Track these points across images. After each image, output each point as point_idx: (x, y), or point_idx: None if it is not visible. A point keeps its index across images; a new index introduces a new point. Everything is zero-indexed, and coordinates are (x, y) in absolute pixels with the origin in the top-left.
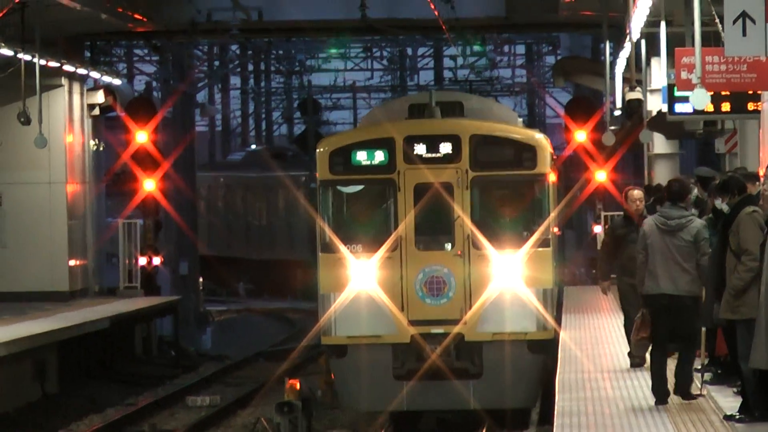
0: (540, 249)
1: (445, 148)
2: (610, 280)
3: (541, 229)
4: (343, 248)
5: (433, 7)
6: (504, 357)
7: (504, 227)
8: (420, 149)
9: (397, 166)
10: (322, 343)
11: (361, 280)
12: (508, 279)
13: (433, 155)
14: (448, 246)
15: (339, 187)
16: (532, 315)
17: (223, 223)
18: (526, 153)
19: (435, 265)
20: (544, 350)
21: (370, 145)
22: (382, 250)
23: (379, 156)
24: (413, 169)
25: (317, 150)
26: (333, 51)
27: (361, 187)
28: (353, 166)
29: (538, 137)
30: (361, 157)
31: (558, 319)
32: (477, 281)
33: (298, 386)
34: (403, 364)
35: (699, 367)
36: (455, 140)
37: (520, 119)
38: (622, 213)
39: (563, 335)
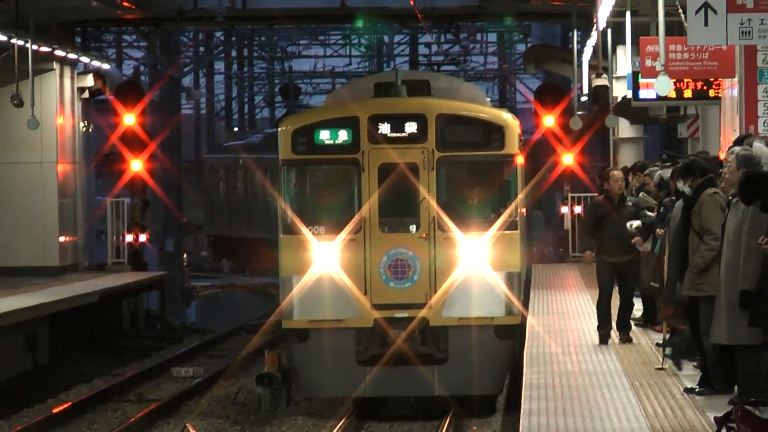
0: (507, 231)
1: (411, 127)
2: (591, 253)
3: (509, 211)
4: (305, 230)
5: None
6: (470, 342)
7: (470, 209)
8: (385, 129)
9: (361, 146)
10: (283, 327)
11: (323, 262)
12: (474, 262)
13: (399, 135)
14: (413, 228)
15: (301, 167)
16: (499, 299)
17: (243, 204)
18: (494, 134)
19: (399, 247)
20: (511, 335)
21: (333, 124)
22: (345, 232)
23: (343, 135)
24: (378, 149)
25: (279, 129)
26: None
27: (324, 166)
28: (316, 146)
29: (507, 117)
30: (325, 136)
31: (526, 301)
32: (442, 264)
33: (277, 358)
34: (367, 349)
35: (660, 341)
36: (421, 119)
37: (489, 99)
38: (598, 196)
39: (530, 319)
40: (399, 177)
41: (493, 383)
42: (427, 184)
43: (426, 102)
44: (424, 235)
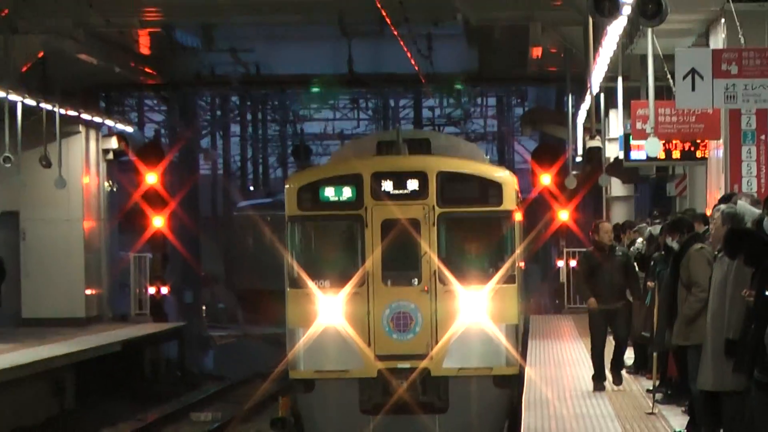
0: (505, 285)
1: (413, 184)
2: (593, 299)
3: (507, 265)
4: (310, 283)
5: (413, 62)
6: (470, 392)
7: (470, 263)
8: (387, 186)
9: (364, 202)
10: (290, 378)
11: (328, 314)
12: (474, 315)
13: (401, 191)
14: (415, 281)
15: (307, 222)
16: (498, 350)
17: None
18: (492, 190)
19: (402, 300)
20: (509, 385)
21: (337, 182)
22: (350, 286)
23: (347, 192)
24: (381, 205)
25: (286, 186)
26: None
27: (329, 222)
28: (321, 202)
29: (504, 174)
30: (329, 193)
31: (524, 350)
32: (443, 317)
33: (290, 403)
34: (370, 398)
35: (651, 387)
36: (422, 177)
37: (487, 157)
38: (590, 247)
39: (528, 368)
40: (401, 232)
41: (491, 431)
42: (428, 239)
43: (427, 160)
44: (425, 288)
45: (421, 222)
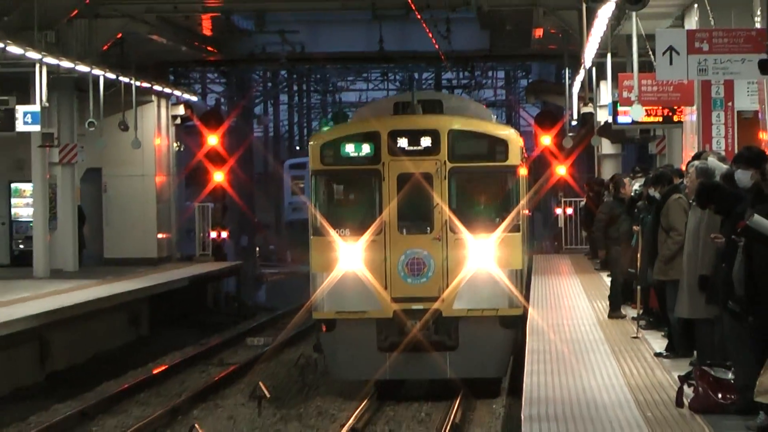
0: (511, 234)
1: (426, 141)
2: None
3: (512, 215)
4: (332, 232)
5: (434, 42)
6: (478, 331)
7: (478, 214)
8: (403, 142)
9: (381, 157)
10: (313, 318)
11: (348, 260)
12: (481, 261)
13: (415, 148)
14: (428, 230)
15: (329, 176)
16: (504, 293)
17: None
18: (499, 147)
19: (416, 247)
20: (514, 325)
21: (357, 139)
22: (368, 234)
23: (366, 148)
24: (396, 160)
25: (309, 143)
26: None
27: (349, 176)
28: (342, 158)
29: (510, 132)
30: (349, 149)
31: (528, 291)
32: (453, 262)
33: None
34: (387, 337)
35: (635, 316)
36: (435, 135)
37: (494, 116)
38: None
39: (531, 296)
40: (415, 185)
41: (498, 367)
42: (440, 192)
43: (439, 119)
44: (437, 236)
45: (433, 176)
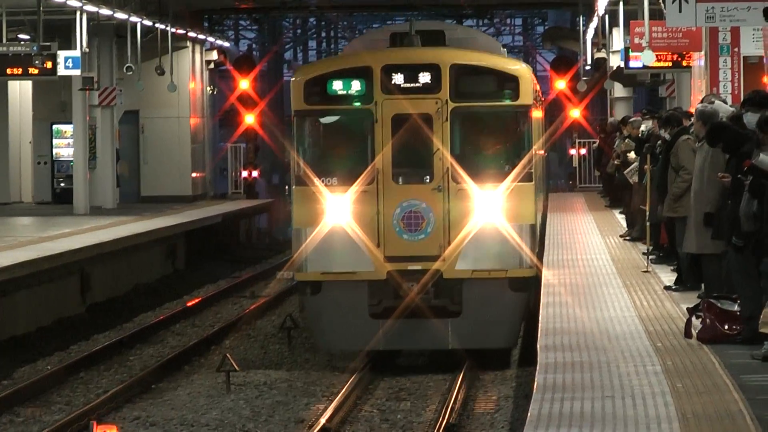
0: (522, 183)
1: (425, 77)
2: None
3: (523, 162)
4: (317, 181)
5: None
6: (484, 295)
7: (485, 161)
8: (398, 79)
9: (374, 96)
10: (295, 279)
11: (335, 214)
12: (489, 214)
13: (412, 85)
14: (427, 179)
15: (314, 118)
16: (514, 252)
17: None
18: (509, 84)
19: (413, 199)
20: (525, 288)
21: (346, 74)
22: (358, 184)
23: (356, 85)
24: (391, 99)
25: (292, 79)
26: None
27: (336, 117)
28: (329, 96)
29: (521, 67)
30: (337, 86)
31: (541, 250)
32: (457, 216)
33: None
34: (380, 302)
35: (646, 251)
36: (435, 70)
37: (504, 49)
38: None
39: (547, 233)
40: (412, 128)
41: (507, 336)
42: (440, 135)
43: (440, 52)
44: (438, 186)
45: (433, 117)
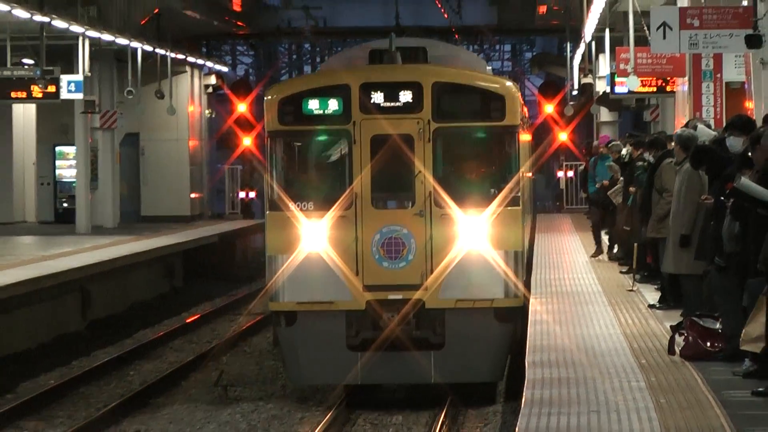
0: (509, 208)
1: (405, 96)
2: None
3: (510, 186)
4: (292, 206)
5: (446, 17)
6: (468, 326)
7: (469, 184)
8: (378, 98)
9: (352, 116)
10: (270, 309)
11: (311, 240)
12: (473, 241)
13: (392, 104)
14: (408, 204)
15: (289, 139)
16: (500, 280)
17: None
18: (494, 103)
19: (393, 225)
20: (512, 318)
21: (323, 93)
22: (335, 209)
23: (333, 105)
24: (370, 119)
25: (265, 98)
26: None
27: (312, 138)
28: (304, 116)
29: (508, 85)
30: (314, 105)
31: (528, 278)
32: (439, 243)
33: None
34: (358, 333)
35: (624, 270)
36: (416, 88)
37: (489, 67)
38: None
39: (535, 251)
40: (393, 149)
41: (492, 370)
42: (422, 157)
43: (421, 69)
44: (419, 211)
45: (414, 138)
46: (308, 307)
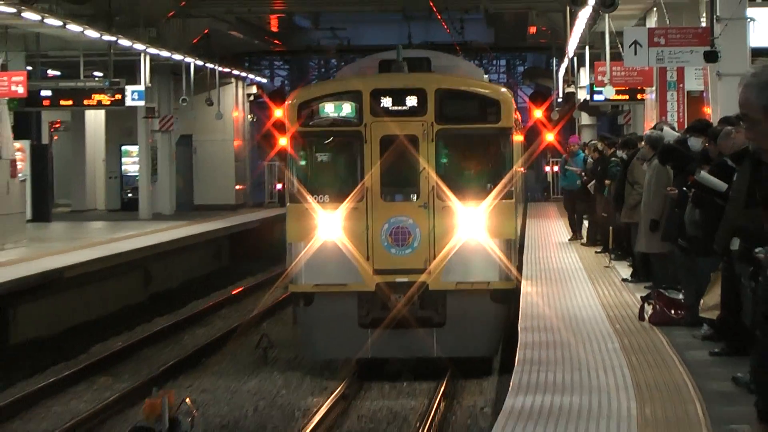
0: (503, 201)
1: (411, 101)
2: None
3: (504, 181)
4: (310, 199)
5: (451, 37)
6: (467, 306)
7: (468, 179)
8: (386, 102)
9: (364, 118)
10: (289, 291)
11: (327, 229)
12: (471, 230)
13: (399, 108)
14: (413, 197)
15: (307, 138)
16: (495, 265)
17: None
18: (491, 107)
19: (400, 215)
20: (506, 300)
21: (337, 98)
22: (348, 201)
23: (347, 108)
24: (379, 121)
25: (287, 102)
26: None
27: (328, 138)
28: (321, 118)
29: (503, 92)
30: (329, 109)
31: (520, 262)
32: (441, 232)
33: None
34: (368, 312)
35: (599, 250)
36: (421, 94)
37: (486, 76)
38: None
39: (527, 232)
40: (400, 148)
41: (488, 346)
42: (426, 155)
43: (426, 77)
44: (423, 204)
45: (419, 138)
46: (324, 289)
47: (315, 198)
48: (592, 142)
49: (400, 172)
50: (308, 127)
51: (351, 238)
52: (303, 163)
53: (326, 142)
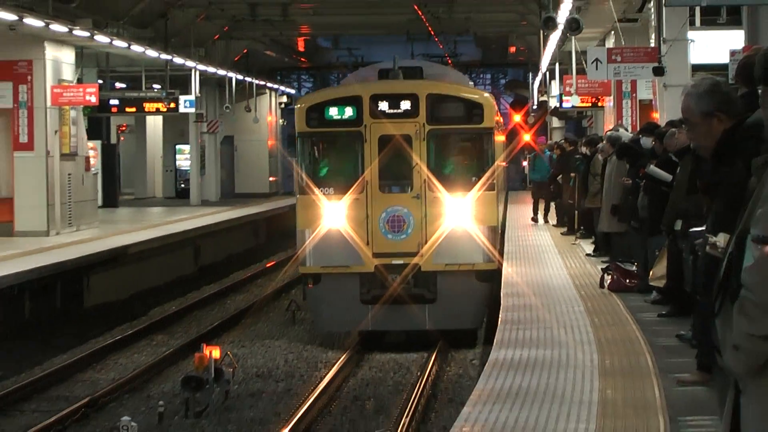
0: (486, 192)
1: (405, 105)
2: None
3: (487, 175)
4: (317, 191)
5: (446, 55)
6: (455, 285)
7: (455, 173)
8: (384, 106)
9: (364, 120)
10: (299, 272)
11: (332, 218)
12: (458, 218)
13: (395, 111)
14: (408, 189)
15: (314, 138)
16: (479, 249)
17: None
18: (475, 110)
19: (396, 205)
20: (489, 279)
21: (340, 102)
22: (351, 193)
23: (349, 111)
24: (378, 122)
25: (296, 106)
26: None
27: (333, 137)
28: (326, 120)
29: (486, 96)
30: (333, 112)
31: (502, 244)
32: (432, 220)
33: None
34: (369, 290)
35: (564, 231)
36: (414, 98)
37: (471, 83)
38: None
39: (507, 216)
40: (395, 146)
41: (474, 319)
42: (419, 152)
43: (418, 84)
44: (416, 195)
45: (413, 137)
46: (330, 270)
47: (321, 190)
48: (560, 141)
49: (396, 167)
50: (315, 128)
51: (353, 226)
52: (310, 160)
53: (331, 141)
